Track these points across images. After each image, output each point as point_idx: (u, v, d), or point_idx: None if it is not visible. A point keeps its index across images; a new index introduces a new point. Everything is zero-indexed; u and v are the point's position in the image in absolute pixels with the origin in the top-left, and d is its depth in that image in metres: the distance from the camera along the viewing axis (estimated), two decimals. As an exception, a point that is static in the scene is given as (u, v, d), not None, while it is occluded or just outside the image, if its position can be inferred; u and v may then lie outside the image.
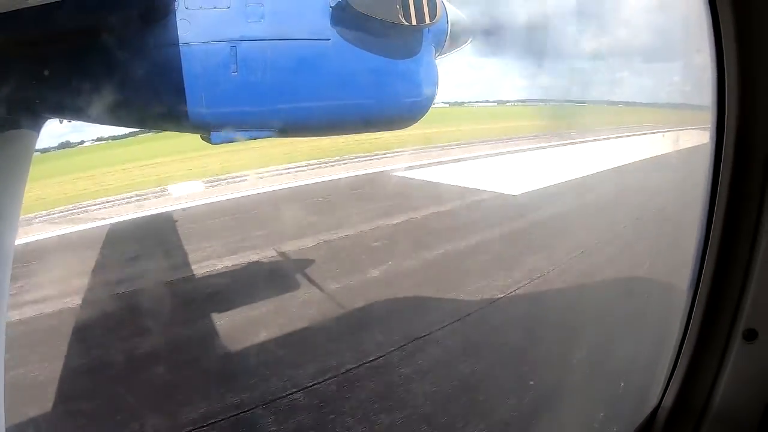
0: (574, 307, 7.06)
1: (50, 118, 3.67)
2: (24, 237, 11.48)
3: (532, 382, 5.22)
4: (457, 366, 5.69)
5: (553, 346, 5.96)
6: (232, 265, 9.15)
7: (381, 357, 5.92)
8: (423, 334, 6.32)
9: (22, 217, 3.56)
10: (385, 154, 20.86)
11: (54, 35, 3.09)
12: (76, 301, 8.06)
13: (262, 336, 6.65)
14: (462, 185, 14.65)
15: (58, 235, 12.14)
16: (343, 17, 3.50)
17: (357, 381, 5.52)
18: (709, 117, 1.78)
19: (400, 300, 7.50)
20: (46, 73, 3.25)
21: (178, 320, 7.22)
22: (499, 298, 7.33)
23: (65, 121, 3.94)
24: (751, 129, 1.63)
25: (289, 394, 5.34)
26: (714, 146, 1.72)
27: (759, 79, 1.59)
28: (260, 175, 17.85)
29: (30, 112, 3.41)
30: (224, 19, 3.38)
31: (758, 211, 1.64)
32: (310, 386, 5.48)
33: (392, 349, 6.08)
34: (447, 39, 4.00)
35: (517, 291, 7.59)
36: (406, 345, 6.14)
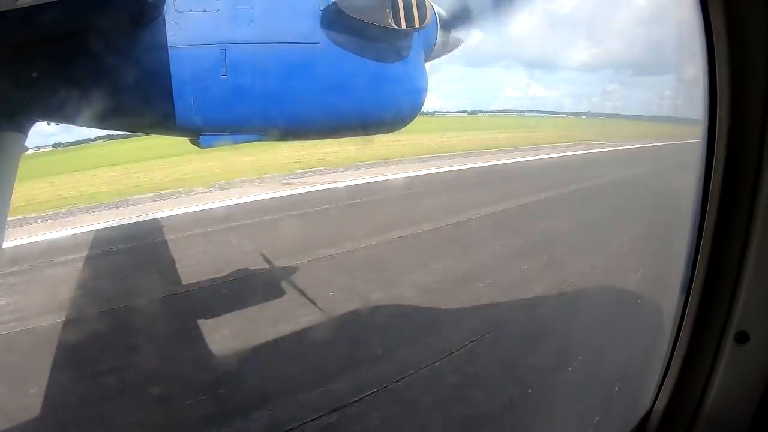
0: (566, 312, 7.06)
1: (37, 121, 3.64)
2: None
3: (530, 391, 5.21)
4: (451, 369, 5.65)
5: (546, 351, 5.95)
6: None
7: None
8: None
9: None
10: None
11: (42, 37, 3.06)
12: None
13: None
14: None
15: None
16: (332, 21, 3.50)
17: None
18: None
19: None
20: (33, 75, 3.22)
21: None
22: (489, 302, 7.31)
23: (53, 124, 3.90)
24: (743, 131, 1.62)
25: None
26: (705, 149, 1.72)
27: (750, 84, 1.59)
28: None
29: (17, 114, 3.38)
30: (214, 22, 3.37)
31: (749, 215, 1.64)
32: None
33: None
34: (436, 43, 4.00)
35: (507, 295, 7.58)
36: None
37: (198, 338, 6.59)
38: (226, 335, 6.65)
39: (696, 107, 1.76)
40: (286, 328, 6.67)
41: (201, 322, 6.98)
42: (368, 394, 5.17)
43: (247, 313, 7.16)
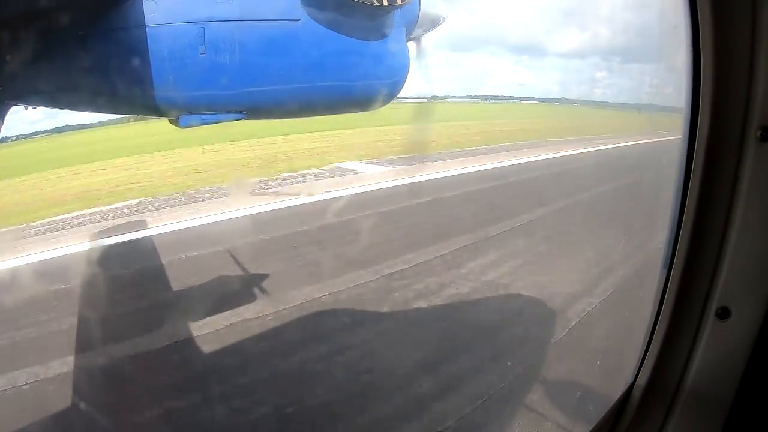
0: (549, 287, 7.11)
1: (13, 105, 3.57)
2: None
3: (509, 363, 5.25)
4: (438, 342, 5.68)
5: (529, 327, 6.00)
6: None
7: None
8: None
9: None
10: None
11: (16, 18, 2.98)
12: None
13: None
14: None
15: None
16: None
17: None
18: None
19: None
20: (7, 58, 3.15)
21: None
22: (473, 279, 7.34)
23: (30, 108, 3.82)
24: (726, 109, 1.62)
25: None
26: (688, 125, 1.71)
27: (733, 70, 1.58)
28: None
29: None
30: None
31: (732, 190, 1.63)
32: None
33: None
34: (418, 21, 3.95)
35: (489, 271, 7.61)
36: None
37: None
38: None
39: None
40: None
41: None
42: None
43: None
